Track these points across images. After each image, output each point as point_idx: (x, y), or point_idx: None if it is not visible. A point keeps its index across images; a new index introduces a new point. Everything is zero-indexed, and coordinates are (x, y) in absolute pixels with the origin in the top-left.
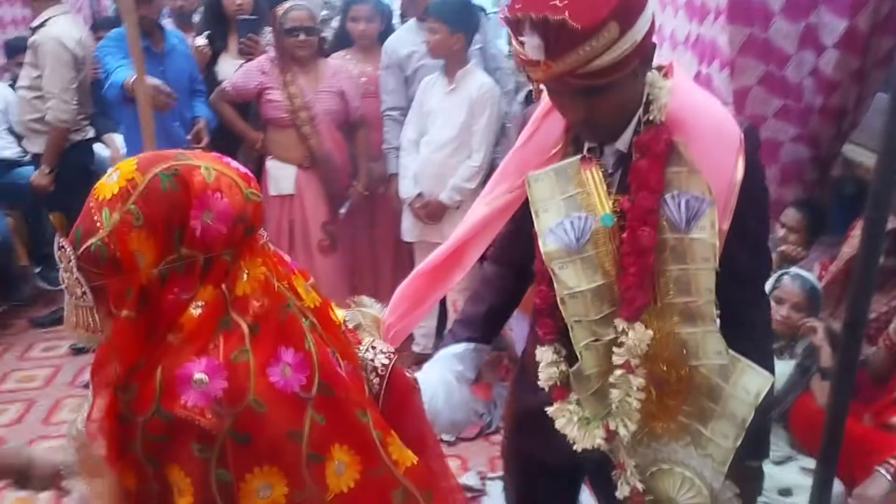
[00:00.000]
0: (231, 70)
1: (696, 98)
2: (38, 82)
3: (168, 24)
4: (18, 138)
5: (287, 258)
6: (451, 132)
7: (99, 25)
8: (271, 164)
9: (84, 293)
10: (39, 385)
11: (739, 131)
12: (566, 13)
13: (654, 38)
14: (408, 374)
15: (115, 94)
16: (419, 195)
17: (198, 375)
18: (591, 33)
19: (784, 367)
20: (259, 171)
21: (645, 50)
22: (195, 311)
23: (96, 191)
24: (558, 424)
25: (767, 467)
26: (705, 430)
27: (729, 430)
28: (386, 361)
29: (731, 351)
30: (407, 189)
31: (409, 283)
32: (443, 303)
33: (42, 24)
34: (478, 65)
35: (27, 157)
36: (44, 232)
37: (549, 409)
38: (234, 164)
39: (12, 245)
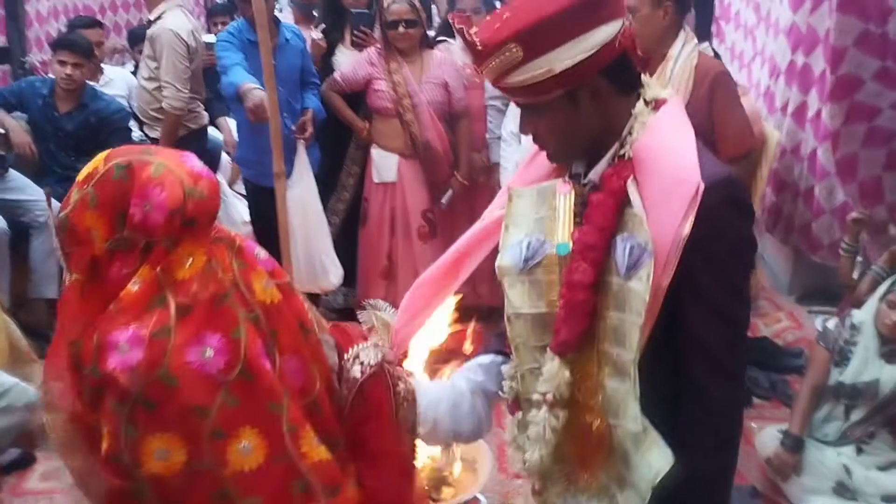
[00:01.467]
0: (346, 61)
1: (667, 138)
2: (157, 73)
3: (288, 16)
4: (139, 124)
5: (260, 255)
6: None
7: (214, 12)
8: (375, 153)
9: (59, 256)
10: None
11: (699, 182)
12: (475, 28)
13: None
14: (397, 386)
15: (229, 94)
16: None
17: (122, 343)
18: (491, 50)
19: (893, 372)
20: (366, 160)
21: (573, 81)
22: (133, 286)
23: (79, 173)
24: (507, 439)
25: (872, 472)
26: (620, 497)
27: (635, 503)
28: (357, 375)
29: (644, 420)
30: (508, 180)
31: (415, 290)
32: None
33: (158, 18)
34: None
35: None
36: None
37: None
38: (193, 164)
39: None
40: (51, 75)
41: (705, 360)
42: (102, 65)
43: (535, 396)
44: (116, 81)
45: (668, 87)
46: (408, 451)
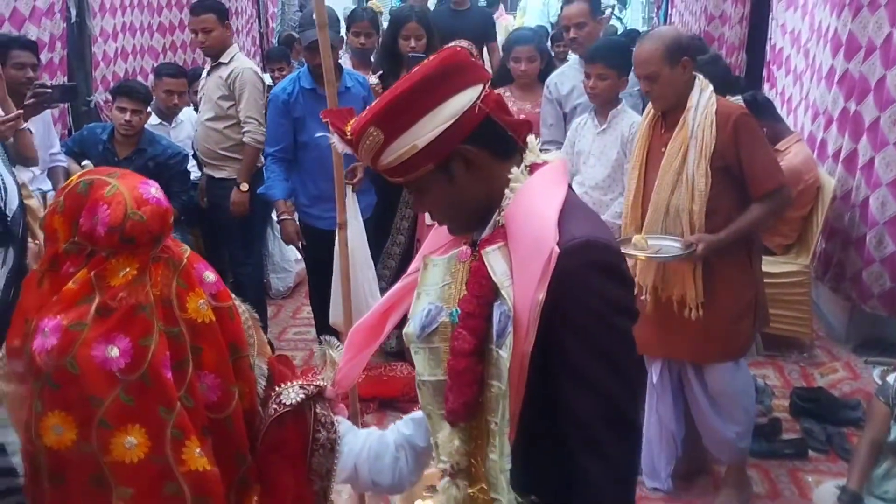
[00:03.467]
0: None
1: (532, 203)
2: (230, 112)
3: (346, 62)
4: (199, 164)
5: (208, 279)
6: (604, 171)
7: (271, 57)
8: None
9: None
10: None
11: (553, 246)
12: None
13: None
14: (318, 432)
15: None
16: None
17: (46, 329)
18: (358, 138)
19: None
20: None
21: (440, 153)
22: (73, 284)
23: None
24: None
25: None
26: None
27: None
28: (271, 412)
29: (510, 495)
30: None
31: (352, 333)
32: None
33: (230, 60)
34: (634, 105)
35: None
36: (219, 250)
37: None
38: (144, 191)
39: None
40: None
41: (577, 435)
42: None
43: (440, 465)
44: (185, 123)
45: (691, 136)
46: (309, 493)
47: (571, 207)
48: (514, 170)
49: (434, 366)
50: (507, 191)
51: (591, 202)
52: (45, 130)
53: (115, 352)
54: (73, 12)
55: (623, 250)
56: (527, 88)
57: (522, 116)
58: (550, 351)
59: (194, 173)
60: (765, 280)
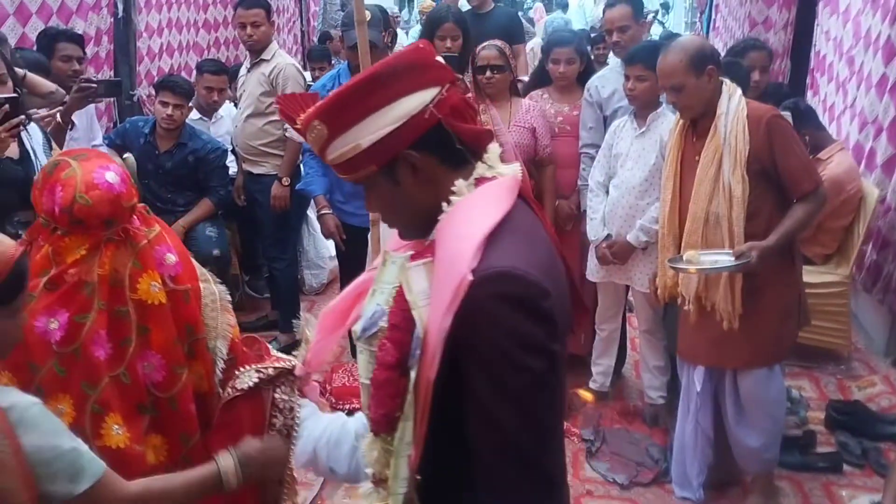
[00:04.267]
0: None
1: (462, 221)
2: (272, 108)
3: None
4: (237, 160)
5: (168, 261)
6: (641, 174)
7: (313, 57)
8: None
9: None
10: None
11: (466, 273)
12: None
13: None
14: (275, 417)
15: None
16: (607, 237)
17: None
18: (304, 129)
19: None
20: None
21: (384, 156)
22: (38, 257)
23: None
24: None
25: None
26: None
27: None
28: (226, 396)
29: None
30: (595, 231)
31: (327, 312)
32: (622, 344)
33: (272, 56)
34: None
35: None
36: (255, 244)
37: None
38: (97, 176)
39: (229, 256)
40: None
41: (478, 470)
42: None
43: (367, 470)
44: (225, 119)
45: (724, 143)
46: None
47: (507, 231)
48: (459, 182)
49: (369, 370)
50: (444, 204)
51: (627, 206)
52: (88, 123)
53: (54, 324)
54: (120, 7)
55: (674, 266)
56: (565, 91)
57: (560, 119)
58: (456, 379)
59: (232, 169)
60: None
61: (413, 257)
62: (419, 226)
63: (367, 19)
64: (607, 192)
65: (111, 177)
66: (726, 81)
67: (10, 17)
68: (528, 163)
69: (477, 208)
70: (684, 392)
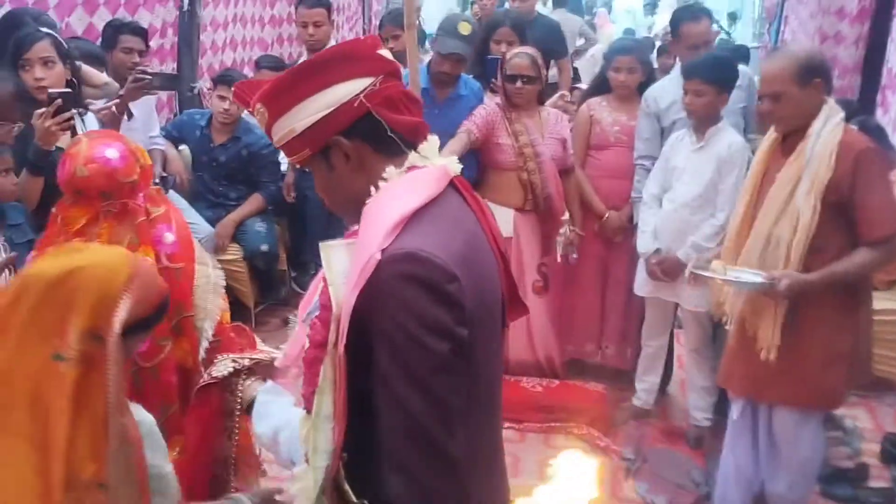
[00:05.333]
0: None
1: (381, 205)
2: None
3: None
4: None
5: (166, 240)
6: (697, 189)
7: None
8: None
9: None
10: None
11: (374, 252)
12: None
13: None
14: (235, 408)
15: None
16: (657, 251)
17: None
18: (253, 111)
19: None
20: None
21: (316, 141)
22: (53, 226)
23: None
24: None
25: None
26: None
27: None
28: (203, 381)
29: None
30: (645, 244)
31: (302, 302)
32: (668, 360)
33: None
34: (736, 124)
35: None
36: (303, 241)
37: None
38: (98, 151)
39: (278, 252)
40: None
41: (384, 448)
42: None
43: (301, 448)
44: None
45: (806, 166)
46: (217, 451)
47: (426, 216)
48: (390, 168)
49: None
50: (372, 188)
51: (680, 220)
52: (147, 114)
53: None
54: (185, 1)
55: (699, 272)
56: (625, 100)
57: (617, 129)
58: (369, 359)
59: (283, 165)
60: None
61: (346, 237)
62: (354, 209)
63: (468, 32)
64: (661, 206)
65: (111, 153)
66: (830, 101)
67: (77, 7)
68: (560, 173)
69: (399, 193)
70: (730, 419)
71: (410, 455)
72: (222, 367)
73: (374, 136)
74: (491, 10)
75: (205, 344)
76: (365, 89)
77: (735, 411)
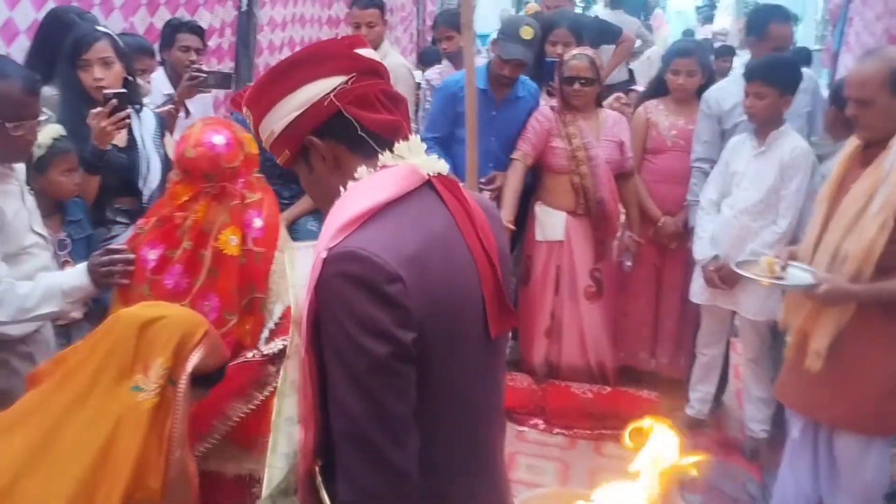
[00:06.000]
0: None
1: (346, 203)
2: None
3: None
4: None
5: (255, 224)
6: (758, 195)
7: (427, 58)
8: (540, 210)
9: None
10: None
11: (322, 251)
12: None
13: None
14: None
15: None
16: (714, 258)
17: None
18: (245, 115)
19: None
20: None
21: (292, 142)
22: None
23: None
24: None
25: None
26: None
27: None
28: (251, 356)
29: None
30: (703, 250)
31: None
32: (724, 371)
33: (384, 56)
34: (801, 128)
35: None
36: None
37: None
38: (205, 136)
39: None
40: None
41: (336, 453)
42: None
43: None
44: None
45: (884, 180)
46: (226, 408)
47: (382, 216)
48: (361, 168)
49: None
50: (341, 188)
51: (739, 227)
52: (203, 112)
53: (152, 255)
54: (244, 1)
55: (740, 271)
56: (683, 103)
57: (674, 133)
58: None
59: None
60: None
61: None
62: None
63: (530, 37)
64: (719, 212)
65: (217, 139)
66: None
67: (141, 7)
68: (617, 177)
69: (360, 193)
70: (790, 437)
71: (352, 460)
72: (273, 345)
73: (347, 135)
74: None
75: (270, 325)
76: (335, 88)
77: (795, 429)
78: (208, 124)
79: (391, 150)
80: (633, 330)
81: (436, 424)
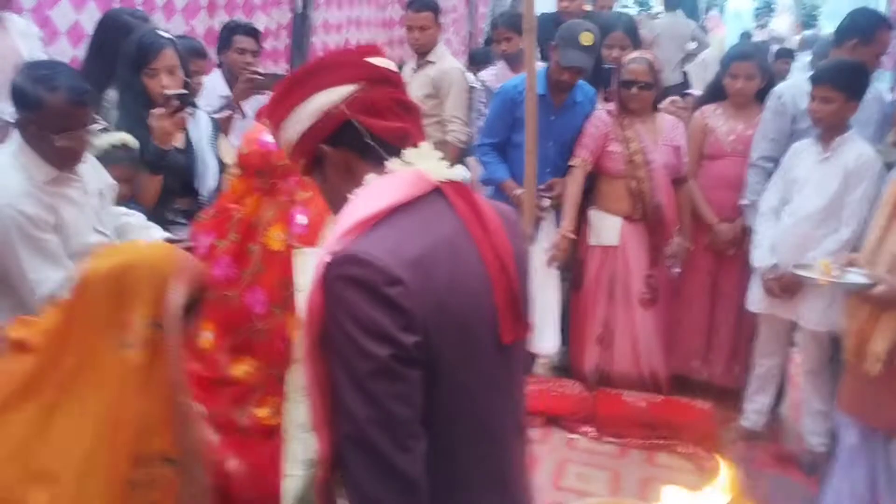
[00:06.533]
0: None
1: (350, 209)
2: (434, 111)
3: None
4: None
5: (299, 221)
6: (821, 202)
7: (476, 60)
8: (594, 215)
9: None
10: None
11: (325, 253)
12: None
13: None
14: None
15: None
16: (774, 266)
17: None
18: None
19: None
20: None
21: (307, 150)
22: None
23: None
24: None
25: None
26: None
27: None
28: None
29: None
30: (762, 258)
31: None
32: (781, 382)
33: (438, 59)
34: (871, 137)
35: None
36: None
37: None
38: (262, 135)
39: None
40: None
41: (342, 458)
42: None
43: None
44: None
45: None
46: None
47: (387, 221)
48: (370, 176)
49: None
50: (349, 195)
51: (801, 235)
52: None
53: (204, 242)
54: (300, 3)
55: (797, 271)
56: (741, 108)
57: (732, 138)
58: None
59: None
60: None
61: None
62: None
63: (590, 43)
64: (778, 216)
65: (269, 138)
66: None
67: (201, 10)
68: (673, 182)
69: (363, 199)
70: (841, 443)
71: (357, 465)
72: None
73: (357, 143)
74: (576, 10)
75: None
76: (345, 97)
77: (851, 436)
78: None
79: (399, 158)
80: (686, 338)
81: (447, 434)
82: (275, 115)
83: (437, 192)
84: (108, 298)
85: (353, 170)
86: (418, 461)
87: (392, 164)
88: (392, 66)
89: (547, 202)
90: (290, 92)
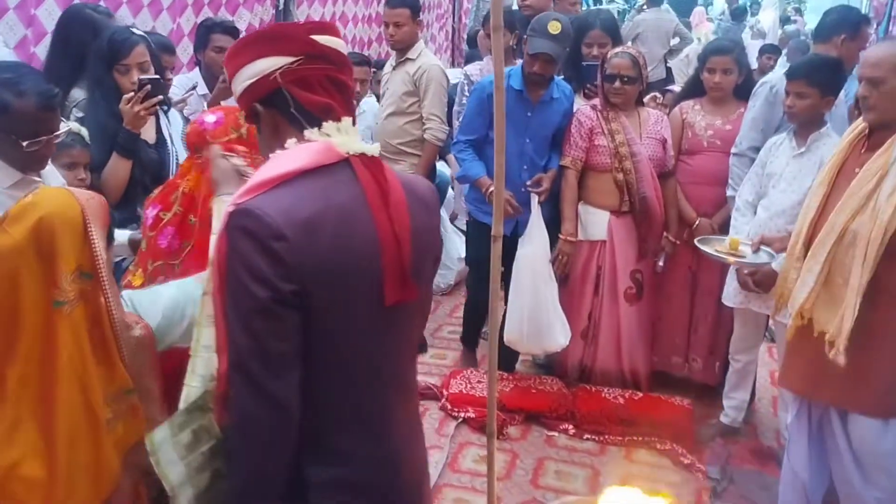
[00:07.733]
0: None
1: (262, 169)
2: (413, 108)
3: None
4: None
5: None
6: (795, 197)
7: (474, 58)
8: (583, 209)
9: None
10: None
11: (229, 208)
12: None
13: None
14: None
15: (463, 181)
16: None
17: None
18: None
19: None
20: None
21: (245, 105)
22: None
23: None
24: None
25: None
26: None
27: None
28: None
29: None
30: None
31: None
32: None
33: (417, 56)
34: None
35: None
36: None
37: None
38: (203, 115)
39: None
40: None
41: (227, 379)
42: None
43: None
44: (368, 114)
45: (893, 162)
46: None
47: (291, 183)
48: (290, 140)
49: None
50: (272, 154)
51: (775, 229)
52: None
53: (151, 212)
54: (281, 0)
55: (701, 246)
56: (719, 102)
57: (710, 133)
58: None
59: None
60: None
61: None
62: None
63: (558, 32)
64: (754, 212)
65: (208, 118)
66: None
67: (188, 7)
68: (660, 175)
69: (276, 161)
70: (788, 421)
71: (238, 387)
72: None
73: (285, 110)
74: (537, 5)
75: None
76: (281, 67)
77: (790, 413)
78: (216, 110)
79: (319, 128)
80: (667, 334)
81: (322, 375)
82: (229, 69)
83: (346, 163)
84: (29, 264)
85: (280, 131)
86: (290, 388)
87: (310, 133)
88: (337, 46)
89: (537, 198)
90: (240, 52)
